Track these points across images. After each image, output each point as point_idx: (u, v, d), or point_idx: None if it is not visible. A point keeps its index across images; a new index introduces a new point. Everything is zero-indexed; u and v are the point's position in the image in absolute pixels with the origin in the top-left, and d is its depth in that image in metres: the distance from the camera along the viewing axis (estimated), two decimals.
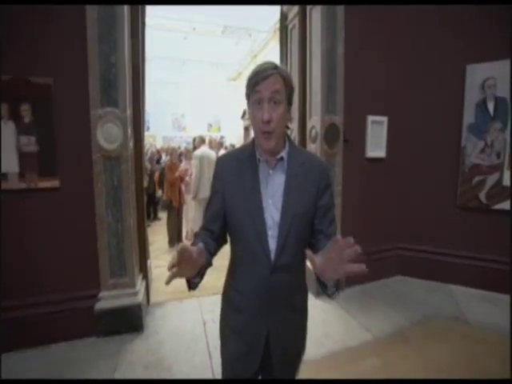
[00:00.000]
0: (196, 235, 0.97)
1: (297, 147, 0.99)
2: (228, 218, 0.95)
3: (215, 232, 0.97)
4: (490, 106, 2.75)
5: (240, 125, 11.02)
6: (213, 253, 0.94)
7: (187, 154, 4.65)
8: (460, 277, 2.90)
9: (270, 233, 0.90)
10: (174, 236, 4.18)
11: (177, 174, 4.15)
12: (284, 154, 0.93)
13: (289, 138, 0.97)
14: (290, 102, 0.91)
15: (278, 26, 3.38)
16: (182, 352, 2.11)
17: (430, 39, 2.95)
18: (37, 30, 1.99)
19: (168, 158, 5.20)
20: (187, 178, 4.39)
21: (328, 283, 0.81)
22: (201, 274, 0.85)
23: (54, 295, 2.19)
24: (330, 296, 0.84)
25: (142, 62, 2.50)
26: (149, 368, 1.97)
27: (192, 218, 4.41)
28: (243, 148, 1.01)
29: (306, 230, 0.93)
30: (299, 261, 0.95)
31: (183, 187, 4.35)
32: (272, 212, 0.90)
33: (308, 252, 0.73)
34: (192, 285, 0.85)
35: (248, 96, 0.90)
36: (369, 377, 1.89)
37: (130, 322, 2.30)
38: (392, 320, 2.47)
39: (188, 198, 4.45)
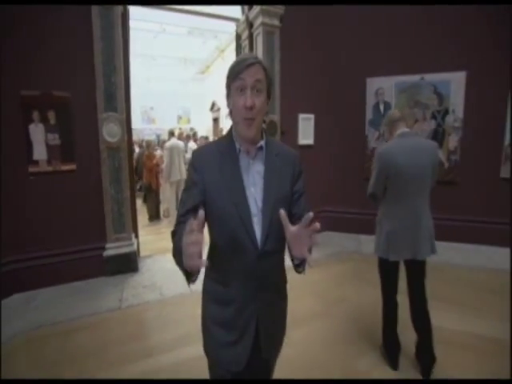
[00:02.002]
0: (174, 232, 0.96)
1: (271, 139, 1.07)
2: (209, 210, 0.96)
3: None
4: (381, 107, 4.09)
5: (209, 117, 11.96)
6: None
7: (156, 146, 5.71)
8: (365, 228, 4.26)
9: (255, 219, 0.95)
10: (153, 213, 5.23)
11: (154, 161, 5.17)
12: (263, 143, 1.00)
13: (264, 130, 1.04)
14: (269, 95, 0.97)
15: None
16: (168, 279, 3.22)
17: (343, 56, 4.22)
18: (58, 59, 2.94)
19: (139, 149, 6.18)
20: (162, 165, 5.43)
21: (295, 260, 0.92)
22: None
23: (72, 247, 3.19)
24: (298, 271, 0.95)
25: (128, 76, 3.51)
26: (146, 287, 3.08)
27: (167, 197, 5.48)
28: (221, 141, 1.05)
29: (287, 213, 0.98)
30: (282, 246, 1.01)
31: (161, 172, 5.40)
32: (256, 199, 0.96)
33: (282, 214, 0.82)
34: (193, 278, 0.88)
35: (229, 86, 0.95)
36: None
37: (128, 264, 3.37)
38: (313, 256, 3.75)
39: (162, 181, 5.51)
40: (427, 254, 1.82)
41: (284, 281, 1.12)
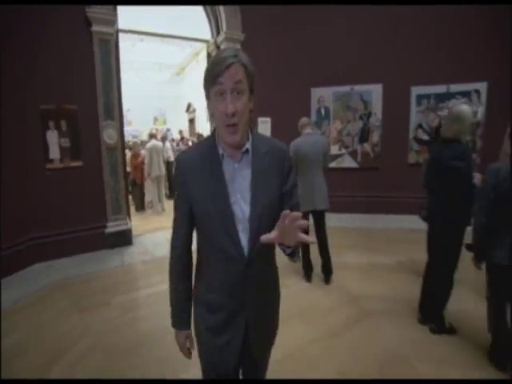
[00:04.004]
0: (172, 263, 1.17)
1: (258, 135, 1.05)
2: (196, 221, 1.02)
3: (191, 242, 1.12)
4: (322, 111, 5.46)
5: (185, 118, 13.06)
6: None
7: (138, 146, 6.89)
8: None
9: (240, 227, 0.96)
10: (139, 205, 6.36)
11: (139, 159, 6.30)
12: (248, 145, 0.98)
13: (250, 127, 1.01)
14: (251, 91, 0.95)
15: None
16: (158, 246, 4.39)
17: (293, 71, 5.55)
18: (68, 80, 4.06)
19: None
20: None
21: (287, 249, 0.96)
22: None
23: (80, 226, 4.30)
24: (293, 259, 1.03)
25: (120, 91, 4.66)
26: (141, 254, 4.24)
27: (151, 191, 6.63)
28: (204, 143, 1.04)
29: (276, 218, 0.92)
30: (271, 248, 1.04)
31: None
32: (241, 206, 0.96)
33: (262, 237, 0.84)
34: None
35: (207, 89, 0.93)
36: None
37: (125, 239, 4.52)
38: None
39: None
40: (322, 207, 3.13)
41: (274, 279, 1.17)
